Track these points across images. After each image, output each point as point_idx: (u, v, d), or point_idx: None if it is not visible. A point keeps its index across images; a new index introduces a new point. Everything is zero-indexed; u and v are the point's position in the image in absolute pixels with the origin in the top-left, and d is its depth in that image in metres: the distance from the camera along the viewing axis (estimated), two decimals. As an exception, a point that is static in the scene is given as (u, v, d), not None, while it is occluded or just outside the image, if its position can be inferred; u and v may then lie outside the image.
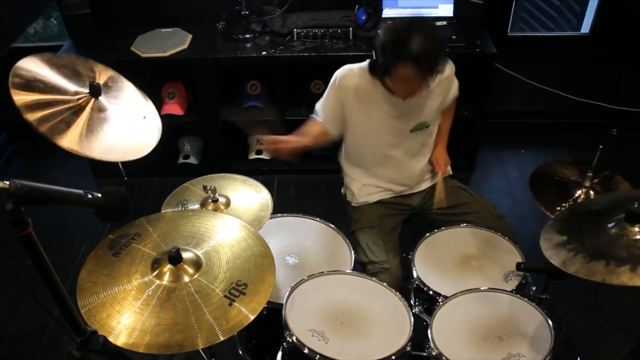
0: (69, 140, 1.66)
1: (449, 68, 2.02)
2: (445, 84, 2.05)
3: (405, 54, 1.73)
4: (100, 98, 1.81)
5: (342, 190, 2.28)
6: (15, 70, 1.69)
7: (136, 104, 1.96)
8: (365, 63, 1.98)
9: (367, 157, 2.14)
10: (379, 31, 1.85)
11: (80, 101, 1.76)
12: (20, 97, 1.64)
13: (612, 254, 1.37)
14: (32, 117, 1.62)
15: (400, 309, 1.71)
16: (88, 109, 1.76)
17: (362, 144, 2.12)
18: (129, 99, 1.94)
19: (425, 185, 2.23)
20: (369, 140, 2.09)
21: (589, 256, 1.39)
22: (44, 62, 1.78)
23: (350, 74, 1.99)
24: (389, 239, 2.09)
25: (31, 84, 1.69)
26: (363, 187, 2.18)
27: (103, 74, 1.92)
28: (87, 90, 1.78)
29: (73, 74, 1.83)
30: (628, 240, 1.41)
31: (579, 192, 1.96)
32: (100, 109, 1.80)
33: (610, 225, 1.46)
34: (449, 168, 2.26)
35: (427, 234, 2.05)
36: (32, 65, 1.74)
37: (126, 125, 1.85)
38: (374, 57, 1.86)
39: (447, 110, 2.18)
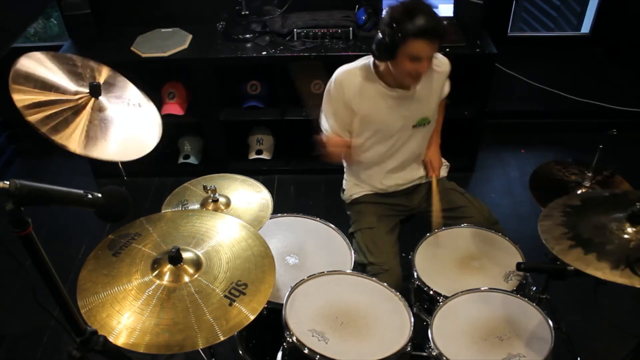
0: (69, 141, 1.66)
1: (447, 64, 2.06)
2: (442, 78, 2.07)
3: (416, 29, 1.75)
4: (100, 98, 1.81)
5: (341, 192, 2.30)
6: (17, 67, 1.68)
7: (136, 101, 1.96)
8: (362, 61, 2.00)
9: (371, 157, 2.12)
10: (383, 14, 1.85)
11: (80, 101, 1.76)
12: (21, 98, 1.63)
13: (608, 250, 1.40)
14: (33, 118, 1.62)
15: (400, 309, 1.71)
16: (88, 109, 1.76)
17: (369, 144, 2.09)
18: (128, 98, 1.94)
19: (423, 182, 2.24)
20: (376, 138, 2.07)
21: (585, 249, 1.42)
22: (45, 60, 1.78)
23: (351, 74, 1.98)
24: (388, 239, 2.08)
25: (31, 81, 1.69)
26: (358, 184, 2.20)
27: (102, 74, 1.92)
28: (87, 90, 1.78)
29: (73, 73, 1.83)
30: (625, 239, 1.43)
31: (579, 192, 1.96)
32: (100, 109, 1.80)
33: (610, 222, 1.48)
34: (442, 171, 2.27)
35: (428, 234, 2.05)
36: (32, 63, 1.74)
37: (127, 124, 1.85)
38: (382, 41, 1.83)
39: (439, 107, 2.19)
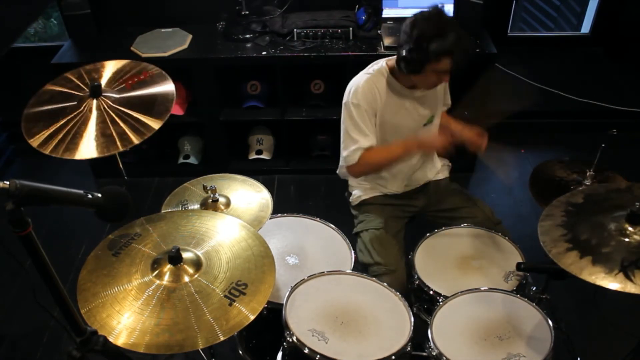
0: (88, 151, 1.68)
1: None
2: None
3: (450, 48, 1.78)
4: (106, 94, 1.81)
5: (346, 195, 2.29)
6: (25, 115, 1.72)
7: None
8: (375, 66, 1.99)
9: None
10: (407, 25, 1.84)
11: (84, 109, 1.77)
12: (36, 139, 1.67)
13: (604, 253, 1.40)
14: (46, 149, 1.66)
15: (400, 309, 1.71)
16: (94, 111, 1.77)
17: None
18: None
19: (429, 182, 2.24)
20: (390, 141, 2.05)
21: (581, 252, 1.41)
22: (45, 94, 1.81)
23: (374, 81, 1.96)
24: (395, 241, 2.08)
25: (41, 120, 1.73)
26: (367, 186, 2.19)
27: (106, 69, 1.93)
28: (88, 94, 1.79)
29: (74, 87, 1.84)
30: (622, 241, 1.42)
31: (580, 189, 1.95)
32: (112, 102, 1.81)
33: (609, 222, 1.47)
34: (444, 171, 2.28)
35: (428, 234, 2.05)
36: (35, 105, 1.77)
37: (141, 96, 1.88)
38: (405, 52, 1.82)
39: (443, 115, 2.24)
